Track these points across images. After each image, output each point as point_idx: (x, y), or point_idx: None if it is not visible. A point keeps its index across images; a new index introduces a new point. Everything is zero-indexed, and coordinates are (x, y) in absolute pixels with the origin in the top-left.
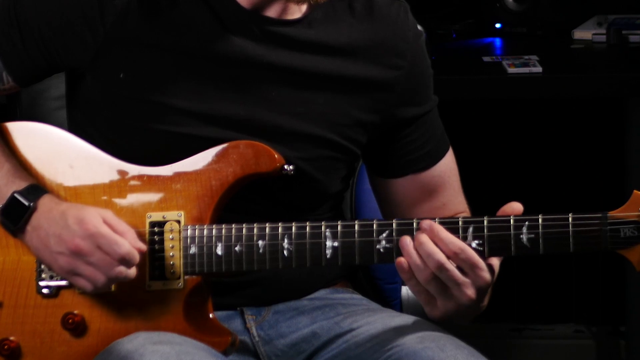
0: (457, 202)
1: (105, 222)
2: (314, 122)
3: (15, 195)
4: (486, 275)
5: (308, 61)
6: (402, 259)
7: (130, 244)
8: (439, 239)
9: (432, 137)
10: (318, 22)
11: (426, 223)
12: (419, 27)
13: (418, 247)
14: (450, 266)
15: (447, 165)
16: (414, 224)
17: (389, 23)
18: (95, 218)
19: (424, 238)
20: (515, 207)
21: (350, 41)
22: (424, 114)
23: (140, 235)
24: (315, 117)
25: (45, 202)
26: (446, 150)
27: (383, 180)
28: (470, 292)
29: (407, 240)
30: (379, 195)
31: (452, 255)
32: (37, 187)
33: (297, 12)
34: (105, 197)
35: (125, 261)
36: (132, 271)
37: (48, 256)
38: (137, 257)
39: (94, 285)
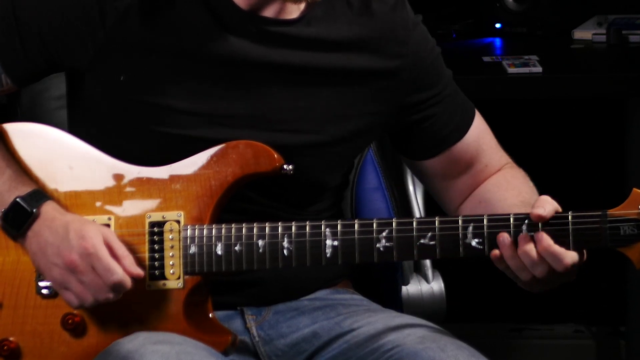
0: (498, 159)
1: (106, 243)
2: (317, 118)
3: (18, 200)
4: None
5: (309, 58)
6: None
7: (125, 270)
8: (549, 254)
9: (456, 111)
10: (317, 20)
11: (538, 236)
12: None
13: (522, 255)
14: (552, 274)
15: (478, 129)
16: (414, 223)
17: (388, 13)
18: (96, 237)
19: (529, 247)
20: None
21: (351, 35)
22: (439, 93)
23: (140, 236)
24: (318, 112)
25: (48, 210)
26: (473, 116)
27: (420, 162)
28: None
29: (505, 240)
30: (420, 177)
31: (562, 270)
32: (40, 193)
33: (295, 11)
34: (104, 198)
35: (116, 288)
36: (116, 296)
37: (43, 264)
38: (128, 284)
39: (80, 303)
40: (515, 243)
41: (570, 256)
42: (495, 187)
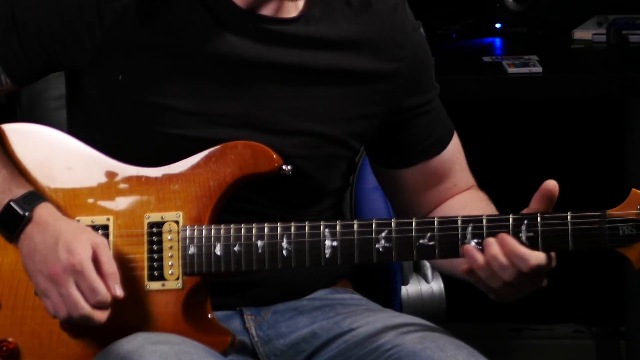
0: (466, 180)
1: (95, 258)
2: (315, 118)
3: (11, 204)
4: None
5: (307, 57)
6: (467, 267)
7: (108, 288)
8: (515, 256)
9: (438, 125)
10: (316, 19)
11: (501, 237)
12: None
13: (490, 260)
14: (520, 279)
15: (455, 148)
16: (413, 224)
17: (387, 15)
18: (85, 252)
19: (496, 251)
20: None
21: (350, 35)
22: (428, 102)
23: (139, 237)
24: (316, 112)
25: (42, 214)
26: (452, 134)
27: (392, 171)
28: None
29: (472, 251)
30: (388, 187)
31: (527, 271)
32: (34, 195)
33: (293, 10)
34: (103, 198)
35: (99, 306)
36: (101, 317)
37: (30, 268)
38: (109, 302)
39: (54, 314)
40: (481, 250)
41: (535, 257)
42: (460, 206)
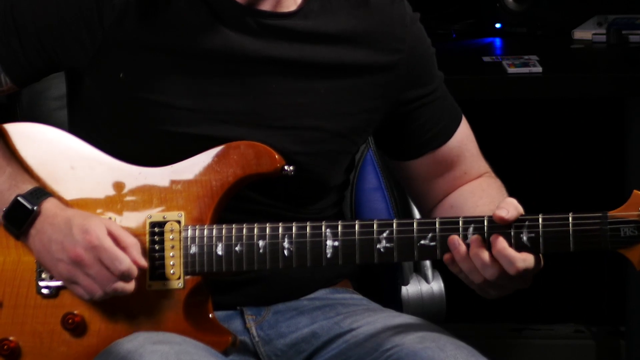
0: (477, 167)
1: (110, 235)
2: (316, 113)
3: (19, 199)
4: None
5: (306, 52)
6: (450, 258)
7: (131, 259)
8: (503, 258)
9: (444, 113)
10: (314, 13)
11: (493, 239)
12: None
13: (473, 257)
14: (503, 279)
15: (463, 135)
16: (414, 224)
17: (385, 8)
18: (100, 229)
19: (480, 250)
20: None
21: (348, 29)
22: (430, 93)
23: (141, 236)
24: (317, 107)
25: (49, 207)
26: (459, 121)
27: (402, 162)
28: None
29: (456, 243)
30: (400, 177)
31: (514, 274)
32: (41, 191)
33: (292, 4)
34: (105, 198)
35: (124, 277)
36: (130, 286)
37: (49, 261)
38: (135, 272)
39: (90, 296)
40: (467, 245)
41: (522, 260)
42: (469, 193)
